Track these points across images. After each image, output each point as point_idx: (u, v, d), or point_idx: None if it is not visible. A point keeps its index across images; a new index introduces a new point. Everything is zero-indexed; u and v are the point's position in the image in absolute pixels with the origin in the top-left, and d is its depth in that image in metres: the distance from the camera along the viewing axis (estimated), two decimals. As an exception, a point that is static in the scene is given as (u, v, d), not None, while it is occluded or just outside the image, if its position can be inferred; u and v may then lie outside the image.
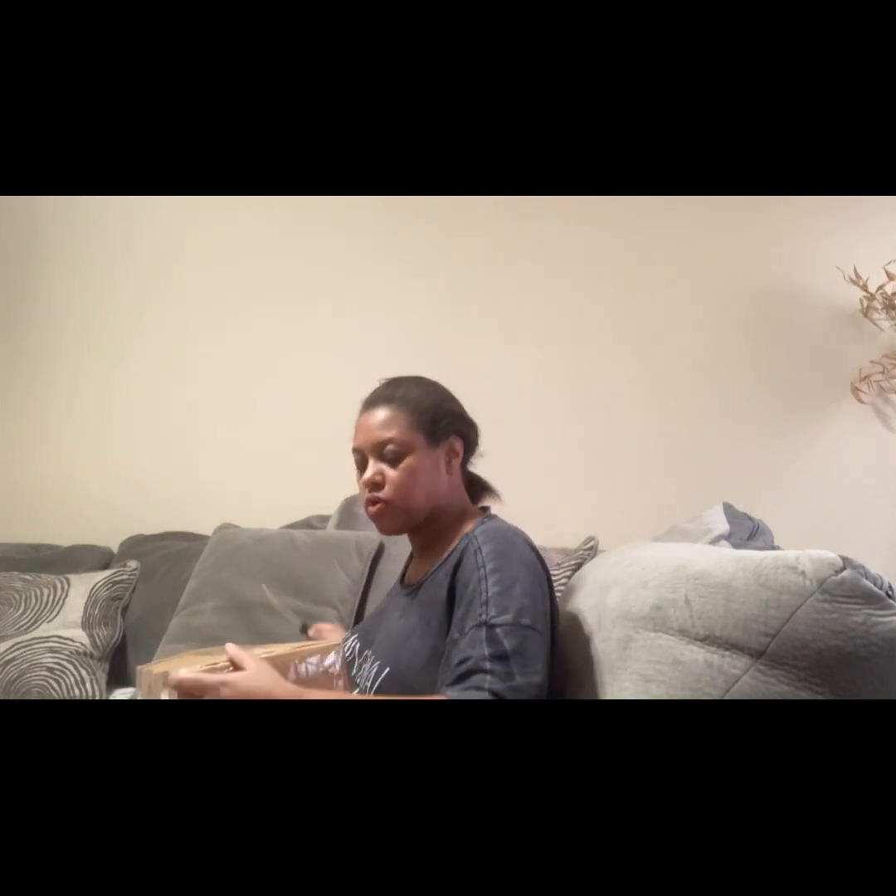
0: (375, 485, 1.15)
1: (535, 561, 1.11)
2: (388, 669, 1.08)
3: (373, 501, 1.16)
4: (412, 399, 1.17)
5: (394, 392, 1.18)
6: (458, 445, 1.21)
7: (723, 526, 1.51)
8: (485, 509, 1.27)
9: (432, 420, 1.17)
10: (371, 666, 1.12)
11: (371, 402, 1.19)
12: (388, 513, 1.16)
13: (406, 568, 1.33)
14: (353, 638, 1.28)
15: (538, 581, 1.07)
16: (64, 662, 1.78)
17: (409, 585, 1.24)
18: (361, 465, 1.19)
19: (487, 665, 0.94)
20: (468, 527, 1.18)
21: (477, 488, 1.30)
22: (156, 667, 0.98)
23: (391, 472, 1.15)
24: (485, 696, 0.91)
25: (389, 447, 1.14)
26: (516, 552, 1.09)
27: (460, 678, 0.95)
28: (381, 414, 1.16)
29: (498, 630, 0.98)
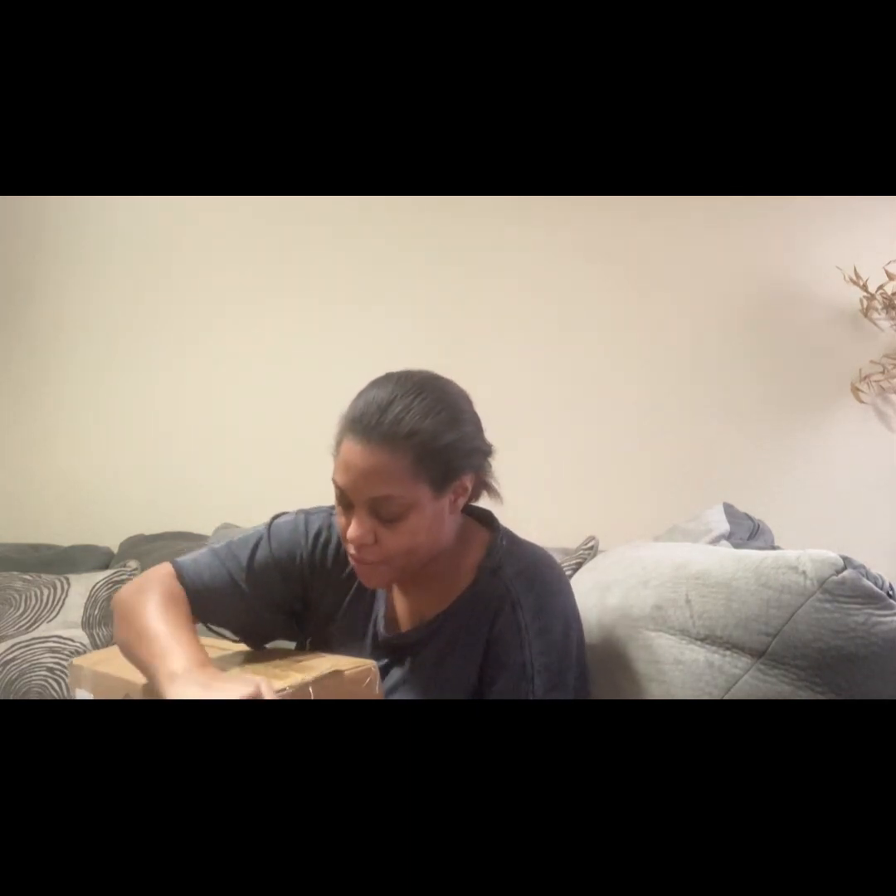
0: (363, 545, 0.90)
1: (572, 599, 1.00)
2: None
3: (359, 559, 0.92)
4: (420, 438, 0.88)
5: (398, 424, 0.88)
6: (469, 482, 0.96)
7: (723, 526, 1.51)
8: (483, 519, 1.07)
9: (444, 465, 0.90)
10: None
11: (364, 431, 0.89)
12: (379, 573, 0.94)
13: (388, 606, 1.05)
14: None
15: (577, 627, 0.99)
16: (64, 662, 1.78)
17: (402, 634, 1.02)
18: (343, 504, 0.93)
19: None
20: (477, 552, 1.01)
21: (480, 489, 1.06)
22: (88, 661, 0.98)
23: (385, 533, 0.90)
24: None
25: (388, 506, 0.89)
26: (557, 602, 0.98)
27: None
28: (376, 459, 0.87)
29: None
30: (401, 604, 1.05)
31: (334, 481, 0.94)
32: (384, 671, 0.99)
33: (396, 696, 0.98)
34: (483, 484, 1.04)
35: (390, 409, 0.89)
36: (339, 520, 0.96)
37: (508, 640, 0.94)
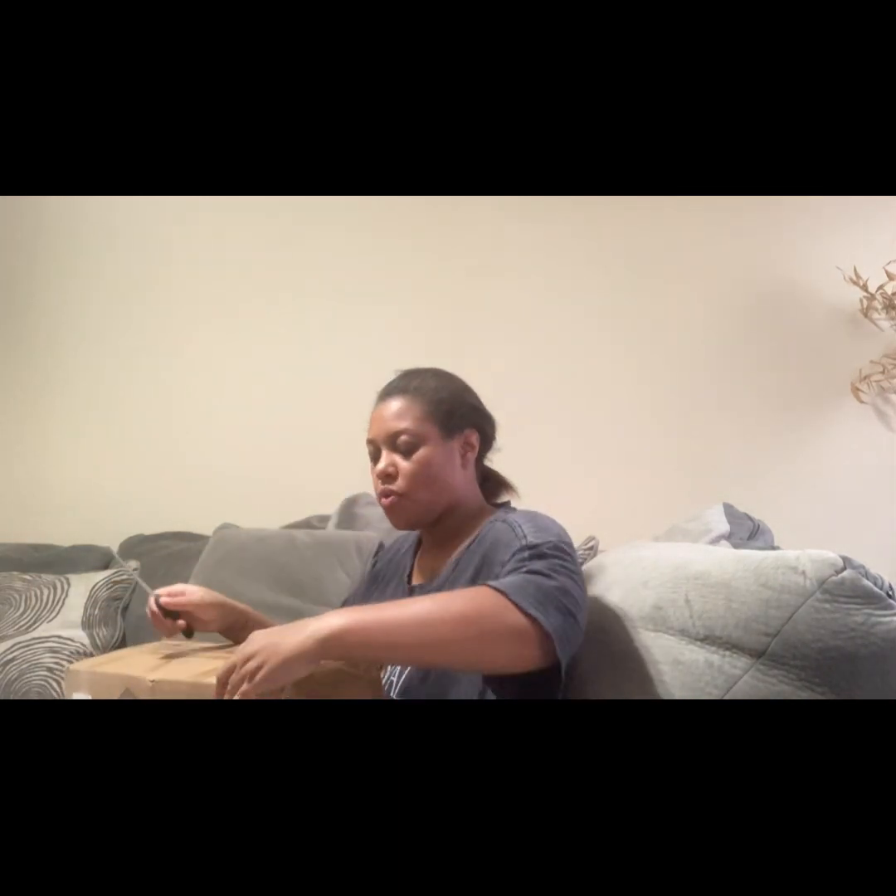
0: (388, 476, 1.13)
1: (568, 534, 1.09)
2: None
3: (386, 494, 1.13)
4: (427, 390, 1.15)
5: (408, 383, 1.16)
6: (474, 439, 1.18)
7: (723, 526, 1.51)
8: (503, 505, 1.24)
9: (447, 412, 1.14)
10: None
11: (386, 393, 1.17)
12: (402, 506, 1.13)
13: (411, 567, 1.25)
14: None
15: (570, 542, 1.05)
16: (64, 662, 1.78)
17: (422, 585, 1.18)
18: (375, 457, 1.17)
19: (528, 565, 0.94)
20: (488, 519, 1.15)
21: (493, 483, 1.27)
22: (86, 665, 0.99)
23: (404, 464, 1.12)
24: (522, 578, 0.91)
25: (402, 438, 1.12)
26: (550, 521, 1.08)
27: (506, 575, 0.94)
28: (395, 405, 1.14)
29: (543, 547, 0.97)
30: (423, 565, 1.22)
31: (367, 442, 1.17)
32: None
33: None
34: (499, 481, 1.27)
35: (403, 378, 1.18)
36: (372, 476, 1.17)
37: (502, 537, 1.05)
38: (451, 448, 1.15)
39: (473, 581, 1.04)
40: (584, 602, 0.97)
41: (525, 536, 1.00)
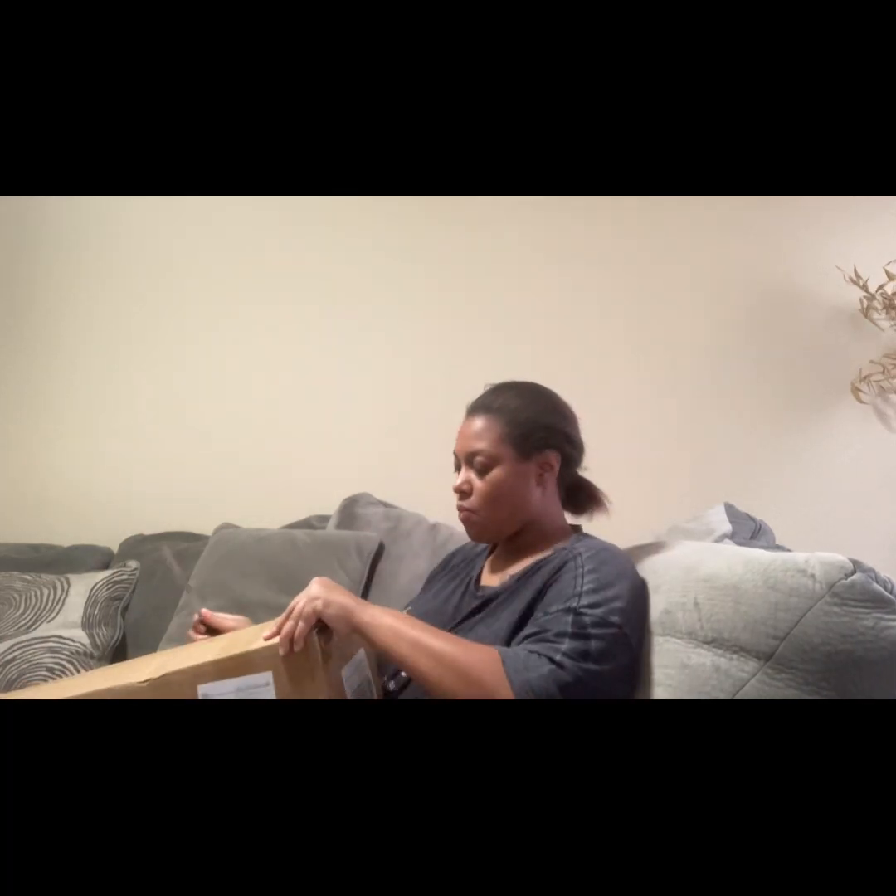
0: (463, 493, 1.18)
1: (637, 574, 1.09)
2: None
3: (461, 509, 1.19)
4: (509, 410, 1.18)
5: (493, 401, 1.20)
6: (553, 459, 1.19)
7: (725, 526, 1.51)
8: (577, 528, 1.27)
9: (524, 434, 1.17)
10: None
11: (472, 409, 1.22)
12: (474, 522, 1.19)
13: (481, 568, 1.30)
14: None
15: (637, 591, 1.05)
16: (64, 662, 1.78)
17: (485, 588, 1.22)
18: (459, 468, 1.22)
19: (565, 644, 0.94)
20: (561, 543, 1.18)
21: (584, 496, 1.29)
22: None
23: (477, 483, 1.17)
24: (543, 664, 0.91)
25: (478, 458, 1.16)
26: (618, 561, 1.08)
27: (530, 640, 0.96)
28: (478, 423, 1.18)
29: (586, 618, 0.96)
30: (494, 569, 1.26)
31: (453, 453, 1.22)
32: (471, 615, 1.18)
33: (470, 636, 1.08)
34: (590, 494, 1.28)
35: (490, 395, 1.22)
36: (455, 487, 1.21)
37: (564, 576, 1.06)
38: (526, 469, 1.17)
39: (530, 607, 1.07)
40: (629, 651, 0.98)
41: (580, 595, 1.00)
